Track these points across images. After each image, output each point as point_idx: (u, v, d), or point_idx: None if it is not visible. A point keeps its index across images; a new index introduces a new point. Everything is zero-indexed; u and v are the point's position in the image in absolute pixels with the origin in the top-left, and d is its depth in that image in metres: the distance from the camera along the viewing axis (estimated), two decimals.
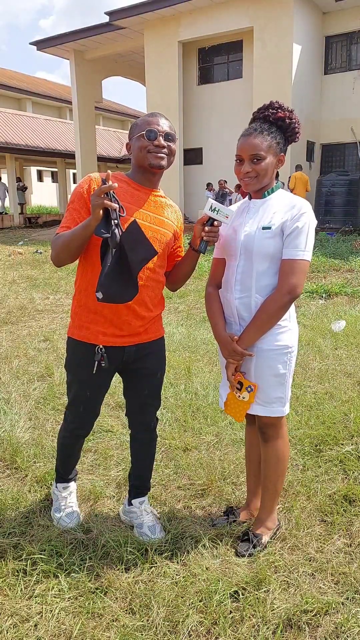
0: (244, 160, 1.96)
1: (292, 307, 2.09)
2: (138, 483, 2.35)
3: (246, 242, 2.00)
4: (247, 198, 2.13)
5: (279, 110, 1.96)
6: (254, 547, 2.13)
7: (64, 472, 2.38)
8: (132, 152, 2.02)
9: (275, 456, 2.15)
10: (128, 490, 2.39)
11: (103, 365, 2.04)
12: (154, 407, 2.27)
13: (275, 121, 1.97)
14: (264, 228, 1.96)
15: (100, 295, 1.81)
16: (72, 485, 2.42)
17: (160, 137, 1.95)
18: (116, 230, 1.78)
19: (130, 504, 2.35)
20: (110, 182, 1.71)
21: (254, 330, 1.98)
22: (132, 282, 1.88)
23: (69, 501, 2.37)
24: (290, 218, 1.93)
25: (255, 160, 1.93)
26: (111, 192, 1.76)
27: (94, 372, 2.06)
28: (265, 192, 2.03)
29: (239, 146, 1.97)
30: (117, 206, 1.76)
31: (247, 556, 2.09)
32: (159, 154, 1.96)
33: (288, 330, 2.05)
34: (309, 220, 1.94)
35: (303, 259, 1.92)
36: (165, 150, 1.97)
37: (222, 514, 2.40)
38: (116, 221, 1.78)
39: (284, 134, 2.00)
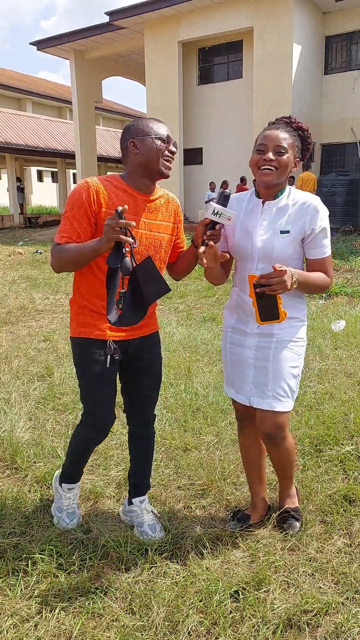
0: (265, 150, 1.92)
1: (306, 304, 2.14)
2: (138, 481, 2.35)
3: (264, 248, 1.99)
4: (251, 194, 2.08)
5: (298, 122, 2.05)
6: (298, 520, 2.25)
7: (73, 474, 2.35)
8: (137, 152, 1.97)
9: (286, 454, 2.18)
10: (128, 490, 2.39)
11: (117, 358, 2.05)
12: (152, 400, 2.28)
13: (296, 128, 2.02)
14: (282, 232, 1.96)
15: (113, 319, 1.84)
16: (77, 486, 2.40)
17: (172, 144, 1.99)
18: (126, 259, 1.79)
19: (130, 503, 2.35)
20: (125, 218, 1.73)
21: (311, 281, 1.95)
22: (143, 309, 1.94)
23: (72, 502, 2.36)
24: (309, 220, 1.95)
25: (279, 151, 1.91)
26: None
27: (108, 366, 2.06)
28: (278, 193, 2.01)
29: (264, 135, 1.94)
30: (132, 241, 1.77)
31: (299, 531, 2.22)
32: (169, 162, 1.99)
33: (304, 324, 2.11)
34: (326, 215, 1.98)
35: (330, 254, 2.03)
36: (173, 158, 2.00)
37: (231, 519, 2.35)
38: (127, 249, 1.80)
39: (302, 144, 2.03)
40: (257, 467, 2.34)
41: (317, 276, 1.99)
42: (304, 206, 1.95)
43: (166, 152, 1.97)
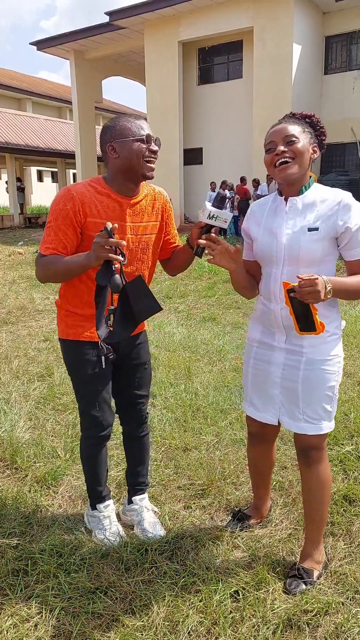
0: (275, 146, 1.77)
1: (339, 315, 1.94)
2: (136, 480, 2.36)
3: (290, 247, 1.80)
4: (275, 195, 1.92)
5: (303, 112, 1.93)
6: (305, 584, 1.92)
7: (99, 490, 2.28)
8: (116, 156, 1.89)
9: (319, 483, 1.95)
10: (127, 489, 2.40)
11: (111, 357, 2.04)
12: (145, 398, 2.29)
13: (302, 117, 1.88)
14: (309, 229, 1.77)
15: (102, 335, 1.84)
16: (112, 503, 2.33)
17: (154, 143, 1.90)
18: (116, 277, 1.76)
19: (130, 502, 2.35)
20: (117, 237, 1.71)
21: (350, 287, 1.75)
22: (133, 326, 1.93)
23: (112, 520, 2.27)
24: (341, 217, 1.75)
25: (290, 141, 1.75)
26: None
27: (104, 366, 2.06)
28: (303, 188, 1.82)
29: (270, 133, 1.80)
30: (122, 259, 1.73)
31: (298, 594, 1.90)
32: (153, 163, 1.92)
33: (338, 338, 1.90)
34: None
35: None
36: (156, 157, 1.92)
37: (231, 519, 2.31)
38: (116, 266, 1.78)
39: (314, 131, 1.87)
40: (265, 476, 2.28)
41: (358, 280, 1.78)
42: (334, 202, 1.77)
43: (147, 153, 1.88)
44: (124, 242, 1.68)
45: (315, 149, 1.83)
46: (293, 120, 1.84)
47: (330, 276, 1.73)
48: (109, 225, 1.69)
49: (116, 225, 1.71)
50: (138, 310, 1.89)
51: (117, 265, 1.77)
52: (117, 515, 2.40)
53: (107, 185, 1.95)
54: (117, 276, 1.76)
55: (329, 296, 1.67)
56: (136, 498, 2.34)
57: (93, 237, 1.89)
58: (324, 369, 1.85)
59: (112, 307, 1.86)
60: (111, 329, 1.85)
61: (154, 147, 1.90)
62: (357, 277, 1.79)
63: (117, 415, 2.31)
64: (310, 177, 1.85)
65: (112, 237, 1.68)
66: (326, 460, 1.97)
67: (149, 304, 1.89)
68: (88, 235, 1.92)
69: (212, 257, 1.85)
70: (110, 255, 1.69)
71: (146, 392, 2.29)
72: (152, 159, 1.91)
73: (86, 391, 2.13)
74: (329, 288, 1.66)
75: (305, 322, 1.70)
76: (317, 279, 1.61)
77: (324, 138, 1.90)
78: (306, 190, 1.83)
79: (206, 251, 1.87)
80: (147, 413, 2.34)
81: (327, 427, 1.90)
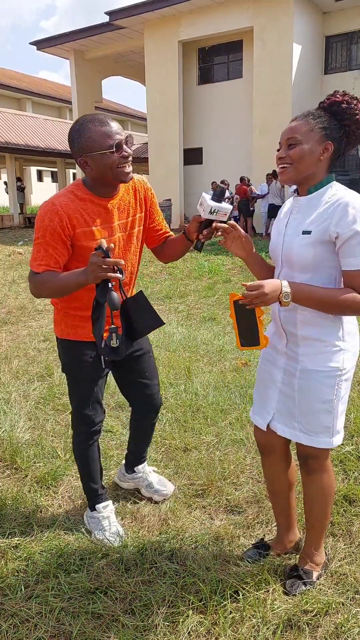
0: (280, 148, 1.74)
1: (353, 326, 1.79)
2: (141, 454, 2.53)
3: (286, 248, 1.76)
4: (295, 195, 1.87)
5: (336, 96, 1.70)
6: (305, 584, 1.91)
7: (95, 488, 2.29)
8: (90, 169, 1.86)
9: (320, 491, 1.90)
10: (125, 460, 2.56)
11: (107, 359, 2.05)
12: (157, 386, 2.36)
13: (328, 106, 1.70)
14: (304, 232, 1.70)
15: (104, 352, 1.88)
16: (111, 503, 2.35)
17: (125, 146, 1.84)
18: (114, 294, 1.75)
19: (132, 471, 2.53)
20: (111, 254, 1.70)
21: (319, 298, 1.64)
22: (133, 341, 1.95)
23: (112, 520, 2.28)
24: (335, 222, 1.63)
25: (290, 144, 1.69)
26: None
27: (105, 366, 2.09)
28: (311, 188, 1.74)
29: (281, 134, 1.76)
30: (121, 276, 1.71)
31: (298, 594, 1.89)
32: (128, 167, 1.86)
33: (340, 350, 1.75)
34: None
35: None
36: (130, 158, 1.88)
37: (251, 546, 2.15)
38: (113, 283, 1.77)
39: (341, 121, 1.69)
40: (283, 499, 2.11)
41: (335, 293, 1.63)
42: (333, 205, 1.65)
43: (120, 161, 1.83)
44: (123, 262, 1.68)
45: (329, 147, 1.68)
46: (311, 114, 1.71)
47: (325, 284, 1.68)
48: (104, 244, 1.67)
49: (112, 245, 1.69)
50: (140, 326, 1.90)
51: (115, 283, 1.76)
52: (117, 514, 2.41)
53: (88, 190, 1.93)
54: (115, 294, 1.75)
55: (285, 300, 1.61)
56: (139, 467, 2.52)
57: (84, 247, 1.91)
58: (319, 380, 1.76)
59: (114, 326, 1.86)
60: (114, 346, 1.86)
61: (126, 152, 1.84)
62: (331, 290, 1.64)
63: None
64: (327, 176, 1.74)
65: (109, 256, 1.67)
66: (329, 470, 1.92)
67: (151, 320, 1.90)
68: (79, 246, 1.91)
69: (224, 239, 1.85)
70: (109, 274, 1.68)
71: (157, 380, 2.35)
72: (126, 164, 1.86)
73: (81, 390, 2.16)
74: (285, 291, 1.60)
75: (250, 334, 1.65)
76: (262, 284, 1.59)
77: (355, 126, 1.69)
78: (315, 190, 1.74)
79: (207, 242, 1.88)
80: (161, 400, 2.42)
81: (325, 442, 1.81)
